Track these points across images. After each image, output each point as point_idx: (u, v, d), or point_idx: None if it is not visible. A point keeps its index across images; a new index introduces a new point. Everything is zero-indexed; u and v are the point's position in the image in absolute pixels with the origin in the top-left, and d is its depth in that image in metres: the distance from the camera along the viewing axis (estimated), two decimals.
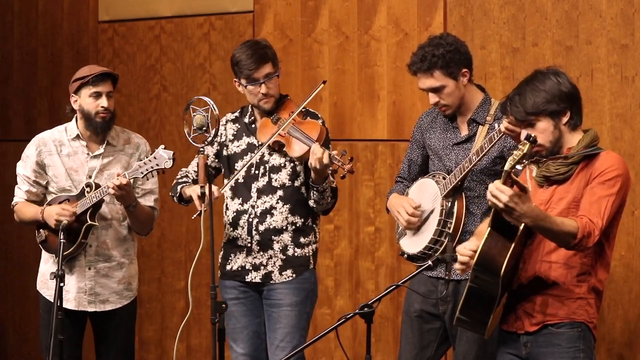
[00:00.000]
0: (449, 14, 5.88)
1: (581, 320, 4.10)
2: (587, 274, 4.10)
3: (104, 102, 5.12)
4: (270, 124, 5.03)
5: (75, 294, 5.18)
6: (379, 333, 6.14)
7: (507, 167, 3.81)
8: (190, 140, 4.86)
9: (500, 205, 3.86)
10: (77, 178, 5.19)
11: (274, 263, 5.03)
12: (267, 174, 5.05)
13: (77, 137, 5.22)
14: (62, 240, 4.85)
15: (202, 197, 4.81)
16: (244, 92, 5.06)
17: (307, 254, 5.07)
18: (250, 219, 5.04)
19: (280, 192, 5.03)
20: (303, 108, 5.02)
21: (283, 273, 5.03)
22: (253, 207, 5.04)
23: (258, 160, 5.05)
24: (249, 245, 5.06)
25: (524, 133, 4.05)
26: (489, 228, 4.05)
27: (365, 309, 4.05)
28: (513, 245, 4.00)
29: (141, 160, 5.13)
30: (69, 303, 5.16)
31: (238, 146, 5.12)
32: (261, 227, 5.03)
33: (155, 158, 4.99)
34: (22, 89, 7.44)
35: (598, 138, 4.15)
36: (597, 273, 4.12)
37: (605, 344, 5.46)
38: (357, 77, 6.19)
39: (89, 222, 5.09)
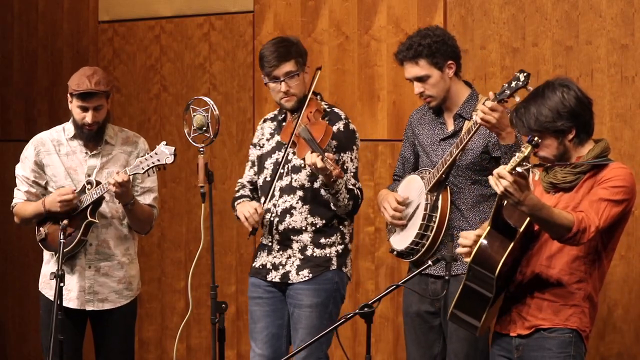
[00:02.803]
0: (449, 14, 5.88)
1: (574, 327, 4.09)
2: (585, 282, 4.09)
3: (88, 118, 5.09)
4: (292, 123, 5.02)
5: (77, 292, 5.17)
6: (379, 333, 6.14)
7: (507, 168, 3.80)
8: (190, 140, 4.87)
9: (500, 189, 3.85)
10: (77, 177, 5.19)
11: (292, 263, 5.01)
12: (289, 173, 5.03)
13: (75, 136, 5.23)
14: (62, 240, 4.84)
15: (202, 197, 4.81)
16: (269, 89, 5.06)
17: (328, 255, 5.01)
18: (272, 218, 5.03)
19: (300, 193, 5.00)
20: (318, 110, 4.98)
21: (300, 273, 5.00)
22: (275, 205, 5.02)
23: (283, 159, 5.04)
24: (270, 244, 5.05)
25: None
26: (489, 227, 4.05)
27: (365, 309, 4.05)
28: (511, 245, 4.00)
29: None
30: (71, 302, 5.15)
31: (270, 144, 5.12)
32: (281, 227, 5.01)
33: (156, 154, 4.98)
34: (22, 89, 7.44)
35: (609, 149, 4.12)
36: (594, 282, 4.12)
37: (605, 344, 5.46)
38: (357, 77, 6.19)
39: (89, 218, 5.08)
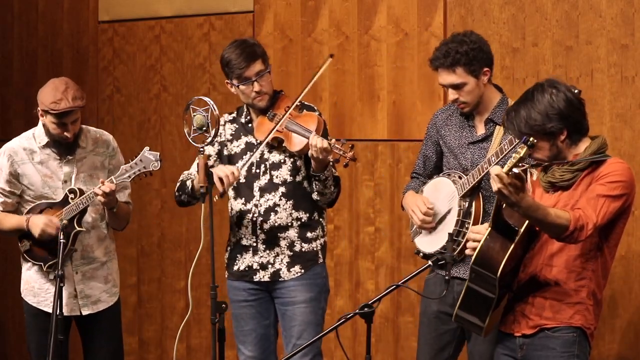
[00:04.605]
0: (449, 14, 5.88)
1: (578, 325, 4.10)
2: (588, 279, 4.10)
3: (68, 133, 5.07)
4: (266, 121, 5.01)
5: (65, 299, 5.13)
6: (379, 333, 6.14)
7: (505, 169, 3.80)
8: (190, 140, 4.86)
9: (494, 189, 3.86)
10: (53, 184, 5.16)
11: (282, 260, 5.01)
12: (267, 171, 5.03)
13: (48, 144, 5.19)
14: (62, 240, 4.85)
15: (202, 197, 4.81)
16: (237, 92, 5.04)
17: (315, 249, 5.05)
18: (254, 218, 5.03)
19: (282, 189, 5.01)
20: (299, 102, 4.99)
21: (291, 269, 5.01)
22: (256, 205, 5.03)
23: (258, 159, 5.04)
24: (255, 244, 5.04)
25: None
26: (489, 228, 4.06)
27: (365, 309, 4.05)
28: (512, 246, 4.00)
29: (113, 157, 5.17)
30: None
31: (237, 146, 5.10)
32: (266, 226, 5.01)
33: (141, 161, 4.97)
34: (22, 89, 7.44)
35: (606, 145, 4.12)
36: (597, 279, 4.12)
37: (605, 344, 5.46)
38: (357, 77, 6.18)
39: (77, 228, 5.08)
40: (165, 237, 6.97)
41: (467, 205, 4.67)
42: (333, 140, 4.77)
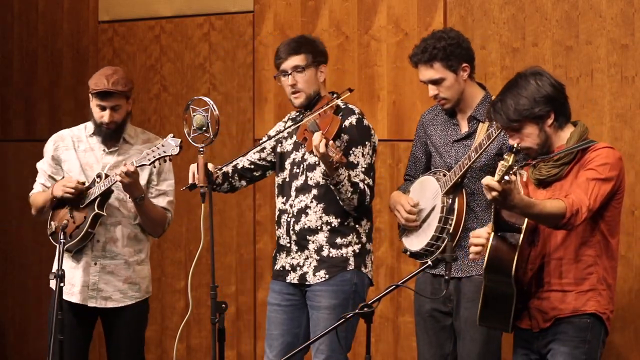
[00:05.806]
0: (449, 14, 5.88)
1: (591, 311, 4.16)
2: (595, 265, 4.16)
3: (106, 117, 5.13)
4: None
5: (80, 287, 5.17)
6: (379, 333, 6.14)
7: (495, 178, 3.84)
8: (190, 141, 4.86)
9: (489, 197, 3.92)
10: (92, 174, 5.19)
11: (310, 264, 4.96)
12: (304, 172, 5.00)
13: (94, 133, 5.25)
14: (62, 240, 4.85)
15: (202, 197, 4.80)
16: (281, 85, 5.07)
17: (344, 255, 4.94)
18: (289, 219, 5.01)
19: (314, 191, 4.97)
20: (323, 110, 4.90)
21: (317, 274, 4.95)
22: (291, 206, 5.00)
23: (300, 159, 5.03)
24: (288, 245, 5.02)
25: (511, 141, 4.14)
26: (492, 233, 4.09)
27: (365, 309, 4.05)
28: (520, 243, 4.07)
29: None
30: (74, 297, 5.16)
31: (289, 144, 5.09)
32: (297, 227, 4.98)
33: (162, 145, 5.00)
34: (22, 89, 7.44)
35: (587, 131, 4.19)
36: (603, 264, 4.17)
37: (605, 344, 5.45)
38: (357, 77, 6.19)
39: (97, 210, 5.08)
40: (165, 237, 6.96)
41: (450, 202, 4.69)
42: (331, 142, 4.73)
